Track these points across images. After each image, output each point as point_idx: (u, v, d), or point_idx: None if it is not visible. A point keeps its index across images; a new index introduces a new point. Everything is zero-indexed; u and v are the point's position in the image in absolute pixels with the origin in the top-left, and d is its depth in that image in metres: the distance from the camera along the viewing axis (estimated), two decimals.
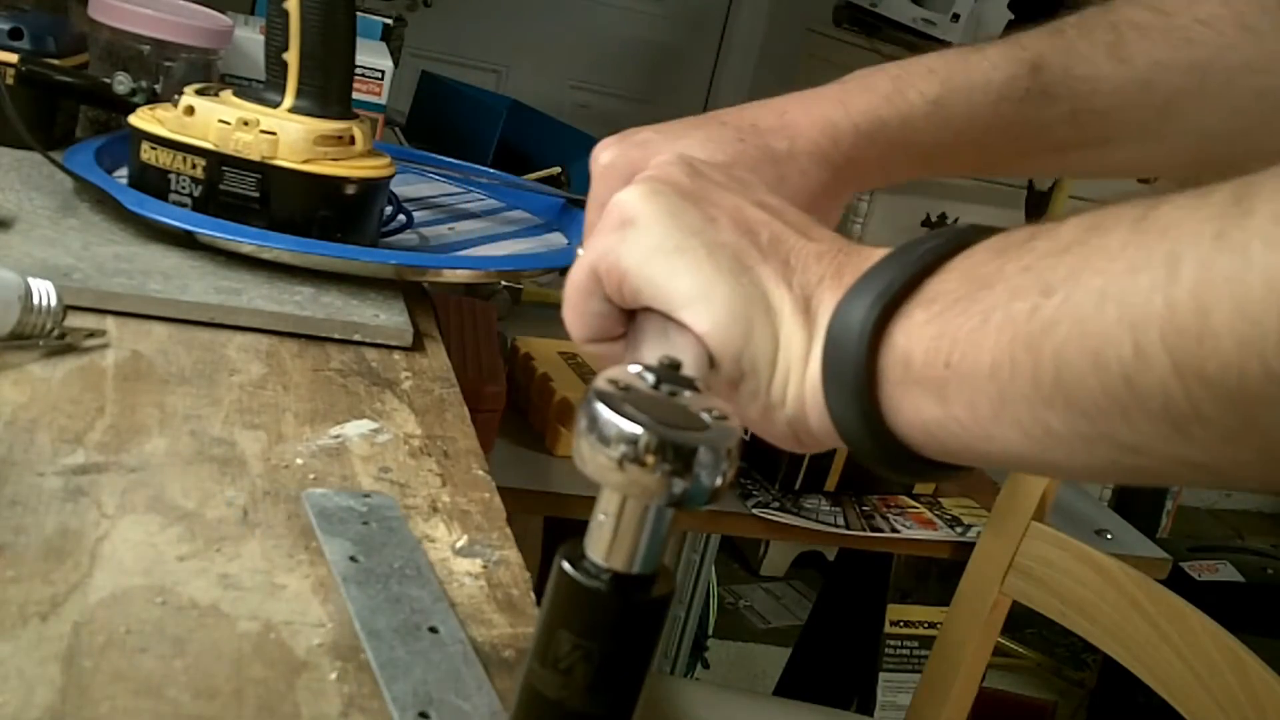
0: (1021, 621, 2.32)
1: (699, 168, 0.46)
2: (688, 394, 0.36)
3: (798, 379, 0.40)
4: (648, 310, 0.43)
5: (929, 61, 0.59)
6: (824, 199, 0.56)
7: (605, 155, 0.56)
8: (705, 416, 0.34)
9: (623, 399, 0.33)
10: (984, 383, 0.35)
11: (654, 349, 0.40)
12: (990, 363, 0.35)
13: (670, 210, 0.43)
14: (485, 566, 0.57)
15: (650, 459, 0.32)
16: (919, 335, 0.37)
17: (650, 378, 0.36)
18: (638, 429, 0.32)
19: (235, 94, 0.89)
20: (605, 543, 0.34)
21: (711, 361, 0.41)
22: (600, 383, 0.34)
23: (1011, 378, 0.34)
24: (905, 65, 0.58)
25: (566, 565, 0.34)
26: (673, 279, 0.41)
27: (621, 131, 0.56)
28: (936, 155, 0.59)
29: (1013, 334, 0.34)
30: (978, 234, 0.39)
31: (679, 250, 0.42)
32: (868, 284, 0.39)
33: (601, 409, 0.33)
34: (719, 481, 0.33)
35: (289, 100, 0.88)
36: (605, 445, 0.33)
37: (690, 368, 0.38)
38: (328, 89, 0.88)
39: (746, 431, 0.38)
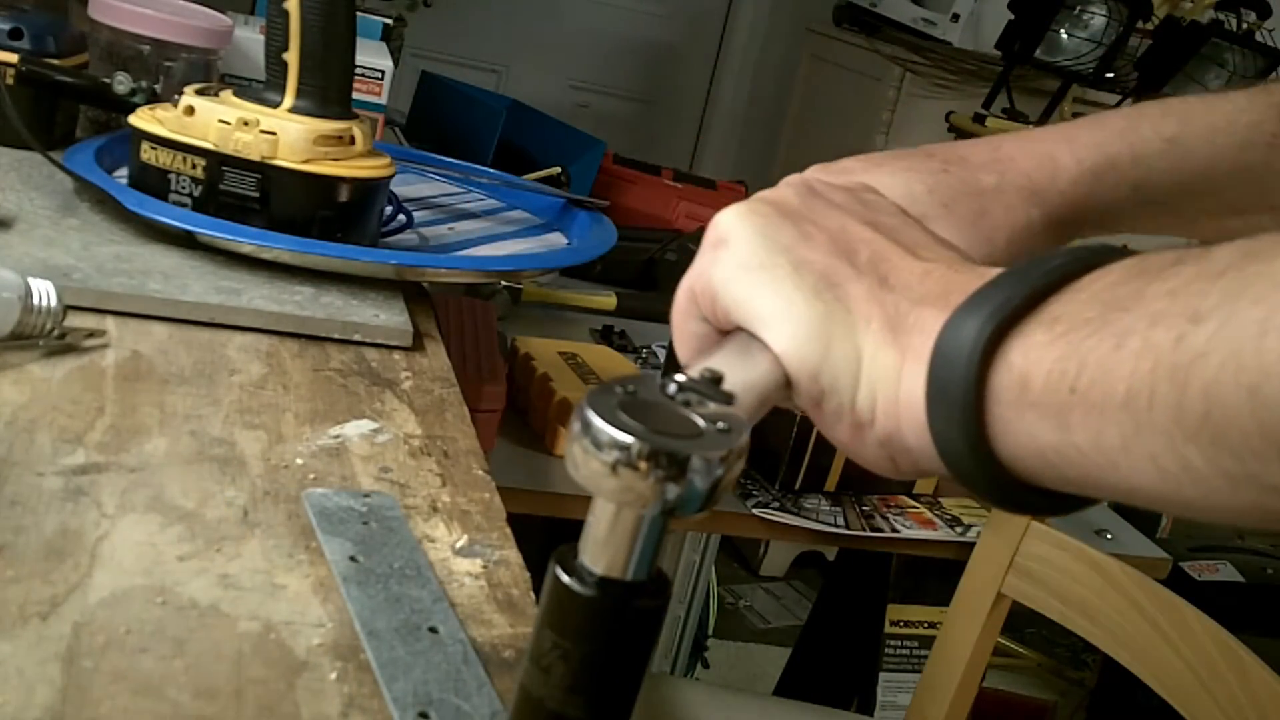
0: (1021, 621, 2.32)
1: (816, 187, 0.46)
2: (713, 406, 0.35)
3: (888, 396, 0.39)
4: (739, 329, 0.42)
5: (1165, 103, 0.55)
6: (1030, 239, 0.52)
7: (812, 173, 0.53)
8: (700, 422, 0.34)
9: (617, 406, 0.33)
10: (1115, 412, 0.33)
11: (729, 364, 0.40)
12: (1125, 391, 0.33)
13: (762, 228, 0.42)
14: (485, 566, 0.57)
15: (643, 465, 0.32)
16: (1040, 356, 0.35)
17: (672, 387, 0.36)
18: (627, 437, 0.32)
19: (235, 94, 0.89)
20: (594, 547, 0.34)
21: (789, 381, 0.40)
22: (597, 389, 0.34)
23: (1150, 409, 0.32)
24: (1139, 106, 0.55)
25: (556, 565, 0.35)
26: (754, 296, 0.41)
27: (810, 169, 0.53)
28: (1171, 199, 0.55)
29: (1154, 362, 0.32)
30: (1110, 255, 0.37)
31: (763, 267, 0.41)
32: (982, 300, 0.37)
33: (592, 415, 0.33)
34: (710, 491, 0.33)
35: (289, 100, 0.88)
36: (597, 451, 0.32)
37: (761, 385, 0.38)
38: (328, 89, 0.88)
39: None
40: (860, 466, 0.42)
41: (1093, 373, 0.34)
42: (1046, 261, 0.37)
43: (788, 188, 0.46)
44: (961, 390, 0.36)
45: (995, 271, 0.38)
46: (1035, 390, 0.35)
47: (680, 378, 0.36)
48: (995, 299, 0.37)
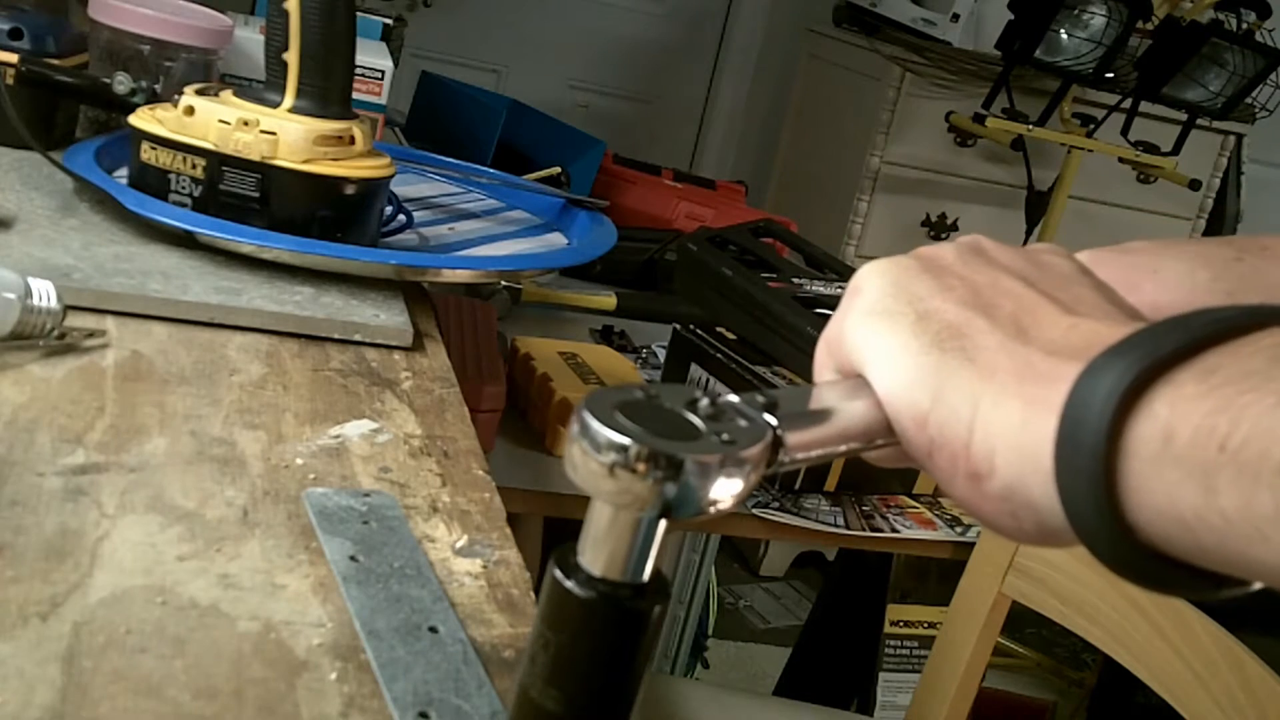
0: (1021, 621, 2.32)
1: (983, 246, 0.44)
2: (742, 423, 0.35)
3: (1009, 444, 0.36)
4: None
5: None
6: None
7: (1082, 255, 0.50)
8: (702, 427, 0.34)
9: (614, 408, 0.33)
10: (1271, 477, 0.30)
11: (830, 394, 0.39)
12: None
13: (898, 278, 0.41)
14: (485, 566, 0.57)
15: (641, 467, 0.32)
16: (1189, 409, 0.32)
17: (704, 402, 0.35)
18: (625, 438, 0.32)
19: (235, 94, 0.89)
20: (592, 548, 0.35)
21: (892, 429, 0.39)
22: (601, 392, 0.34)
23: None
24: None
25: (554, 566, 0.35)
26: (870, 340, 0.40)
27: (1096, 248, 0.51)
28: None
29: None
30: None
31: (886, 314, 0.40)
32: (1130, 346, 0.34)
33: (590, 417, 0.33)
34: (707, 494, 0.33)
35: (289, 100, 0.88)
36: (595, 453, 0.33)
37: (852, 420, 0.38)
38: (328, 89, 0.88)
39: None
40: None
41: (1248, 430, 0.31)
42: (1215, 312, 0.34)
43: (949, 244, 0.44)
44: (1095, 437, 0.33)
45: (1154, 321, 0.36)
46: (1180, 445, 0.32)
47: (728, 397, 0.36)
48: (1146, 344, 0.34)
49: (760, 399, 0.37)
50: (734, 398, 0.37)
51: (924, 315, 0.40)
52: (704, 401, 0.35)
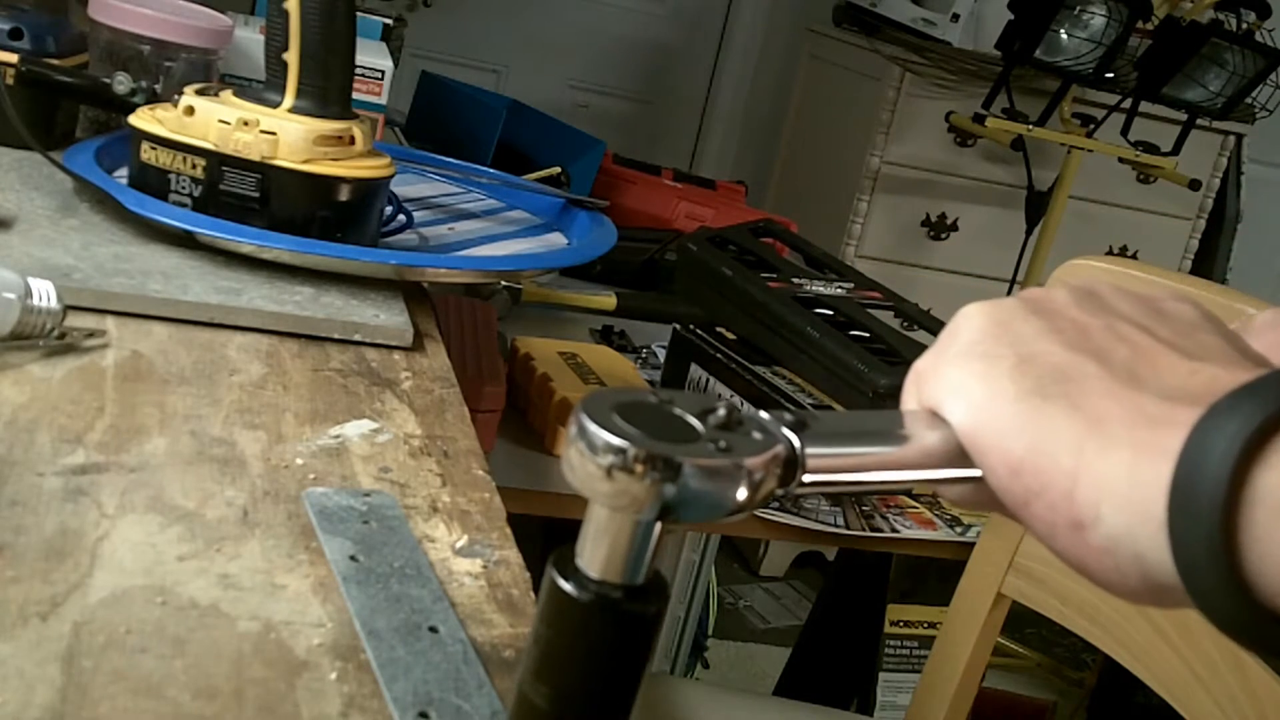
0: (1021, 621, 2.32)
1: (1100, 290, 0.41)
2: (756, 435, 0.35)
3: (1117, 492, 0.34)
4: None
5: None
6: None
7: (1266, 315, 0.47)
8: (701, 429, 0.34)
9: (612, 410, 0.33)
10: None
11: (907, 422, 0.38)
12: None
13: (1001, 319, 0.39)
14: (485, 566, 0.57)
15: (638, 469, 0.32)
16: None
17: (721, 412, 0.35)
18: (622, 441, 0.32)
19: (235, 94, 0.89)
20: (589, 550, 0.35)
21: (955, 465, 0.38)
22: (599, 394, 0.34)
23: None
24: None
25: (552, 567, 0.35)
26: (963, 381, 0.38)
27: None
28: None
29: None
30: None
31: (985, 356, 0.38)
32: (1256, 390, 0.32)
33: (587, 419, 0.33)
34: (706, 499, 0.33)
35: (289, 100, 0.88)
36: (592, 455, 0.32)
37: (926, 450, 0.37)
38: (328, 89, 0.88)
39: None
40: None
41: None
42: None
43: (1062, 288, 0.42)
44: (1214, 485, 0.31)
45: None
46: None
47: (757, 412, 0.35)
48: (1274, 388, 0.32)
49: (789, 416, 0.36)
50: (763, 413, 0.36)
51: (1027, 359, 0.37)
52: (720, 411, 0.35)
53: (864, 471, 0.38)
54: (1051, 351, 0.37)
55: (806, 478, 0.36)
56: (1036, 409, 0.36)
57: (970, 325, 0.40)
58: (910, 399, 0.41)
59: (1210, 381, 0.35)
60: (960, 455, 0.38)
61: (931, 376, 0.40)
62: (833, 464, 0.37)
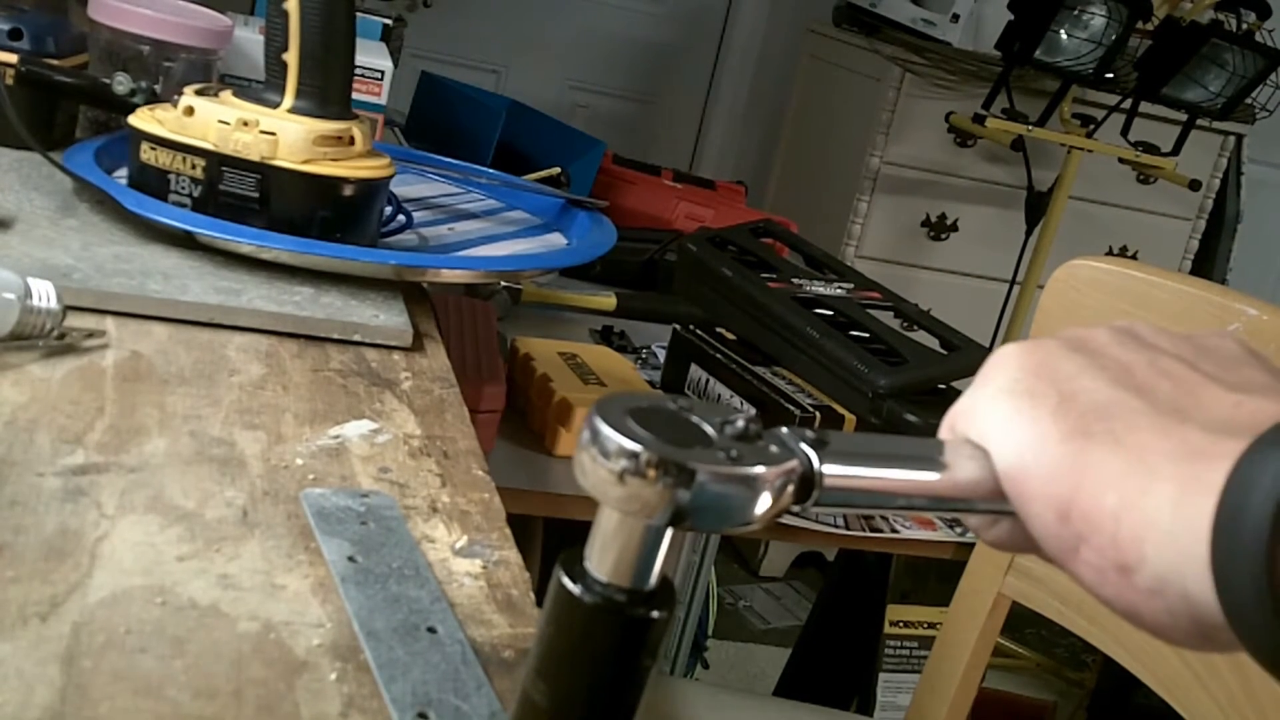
0: (1021, 621, 2.31)
1: (1140, 329, 0.41)
2: (773, 448, 0.34)
3: (1161, 529, 0.33)
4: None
5: None
6: None
7: None
8: (715, 437, 0.34)
9: (626, 414, 0.33)
10: None
11: (946, 451, 0.37)
12: None
13: (1042, 358, 0.38)
14: (485, 567, 0.57)
15: (651, 474, 0.32)
16: None
17: (740, 423, 0.35)
18: (635, 445, 0.32)
19: (235, 94, 0.89)
20: (599, 553, 0.35)
21: (1004, 512, 0.37)
22: (612, 397, 0.34)
23: None
24: None
25: (560, 570, 0.35)
26: (1006, 423, 0.37)
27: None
28: None
29: None
30: None
31: (1027, 394, 0.37)
32: None
33: (601, 423, 0.33)
34: (718, 505, 0.33)
35: (289, 100, 0.88)
36: (604, 459, 0.32)
37: (956, 481, 0.37)
38: (327, 89, 0.88)
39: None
40: None
41: None
42: None
43: (1103, 327, 0.41)
44: (1259, 520, 0.30)
45: None
46: None
47: (778, 428, 0.35)
48: None
49: (810, 433, 0.36)
50: (784, 429, 0.35)
51: (1069, 396, 0.36)
52: (738, 422, 0.34)
53: (886, 493, 0.37)
54: (1094, 389, 0.37)
55: (821, 495, 0.35)
56: (1081, 449, 0.35)
57: (1010, 364, 0.39)
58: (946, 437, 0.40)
59: (1255, 413, 0.34)
60: (991, 491, 0.37)
61: (971, 416, 0.39)
62: (853, 484, 0.36)
